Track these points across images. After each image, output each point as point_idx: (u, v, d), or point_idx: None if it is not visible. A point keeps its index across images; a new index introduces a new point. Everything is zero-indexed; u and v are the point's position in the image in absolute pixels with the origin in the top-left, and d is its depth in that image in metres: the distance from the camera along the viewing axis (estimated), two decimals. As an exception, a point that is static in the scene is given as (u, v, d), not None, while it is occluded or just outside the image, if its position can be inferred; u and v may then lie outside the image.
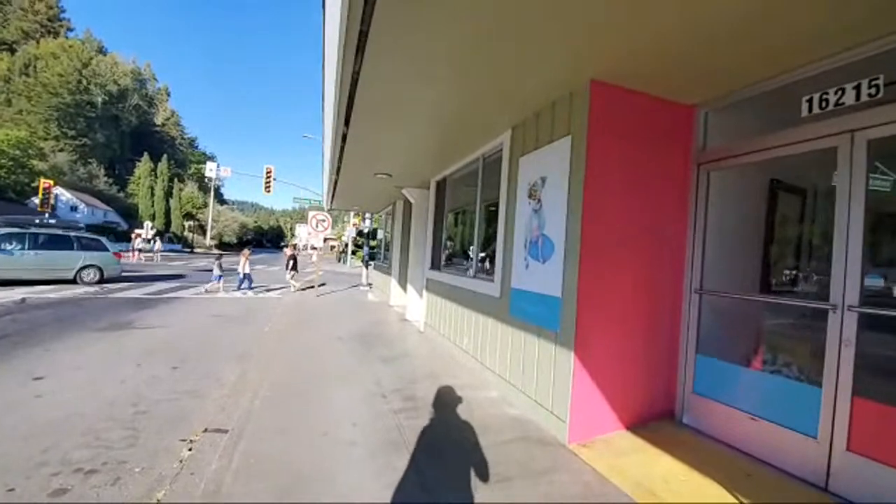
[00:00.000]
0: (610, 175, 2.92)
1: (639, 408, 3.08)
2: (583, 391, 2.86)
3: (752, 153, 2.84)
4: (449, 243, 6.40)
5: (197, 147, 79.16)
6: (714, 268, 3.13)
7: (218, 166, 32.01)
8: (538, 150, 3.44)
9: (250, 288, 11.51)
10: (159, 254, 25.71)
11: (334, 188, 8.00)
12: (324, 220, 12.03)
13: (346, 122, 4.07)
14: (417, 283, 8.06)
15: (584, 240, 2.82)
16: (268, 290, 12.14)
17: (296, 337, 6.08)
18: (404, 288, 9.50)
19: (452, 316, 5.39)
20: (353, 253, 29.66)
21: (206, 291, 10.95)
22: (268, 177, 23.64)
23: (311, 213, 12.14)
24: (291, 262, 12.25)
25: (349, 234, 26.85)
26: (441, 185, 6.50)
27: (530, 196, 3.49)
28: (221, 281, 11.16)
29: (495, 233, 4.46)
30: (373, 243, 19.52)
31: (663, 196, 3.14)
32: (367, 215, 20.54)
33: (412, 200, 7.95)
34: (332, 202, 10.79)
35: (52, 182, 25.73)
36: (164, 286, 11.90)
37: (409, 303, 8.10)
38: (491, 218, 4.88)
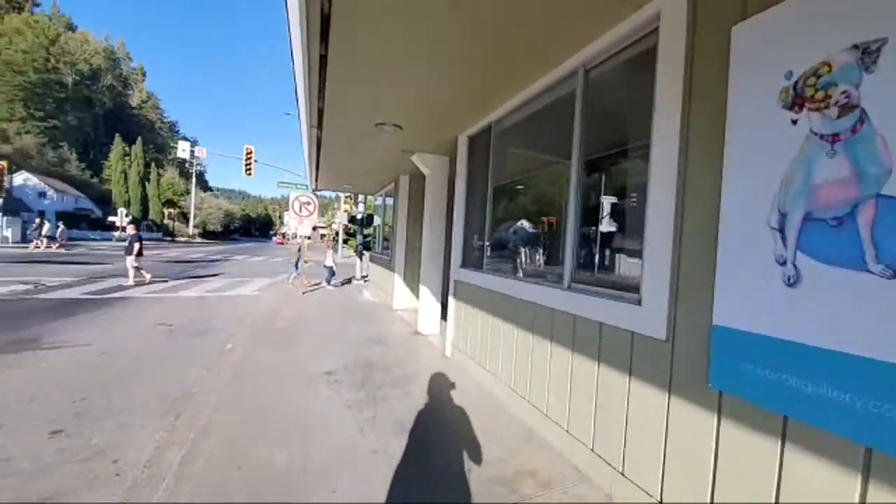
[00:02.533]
0: None
1: None
2: None
3: None
4: (490, 232, 4.27)
5: (178, 132, 75.18)
6: None
7: (193, 146, 28.93)
8: (831, -20, 1.33)
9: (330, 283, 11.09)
10: (62, 241, 21.15)
11: (318, 153, 5.79)
12: (308, 203, 9.79)
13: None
14: (434, 283, 5.97)
15: None
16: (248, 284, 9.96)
17: (263, 370, 3.95)
18: (414, 289, 7.41)
19: (515, 348, 3.30)
20: (345, 242, 27.32)
21: (292, 284, 10.66)
22: (248, 158, 21.07)
23: (292, 196, 9.88)
24: (137, 247, 9.50)
25: (340, 220, 24.50)
26: (479, 142, 4.34)
27: (798, 105, 1.39)
28: (299, 273, 10.44)
29: (615, 204, 2.39)
30: (367, 231, 17.33)
31: None
32: (361, 198, 18.34)
33: (426, 171, 5.78)
34: (316, 180, 8.56)
35: (3, 164, 22.91)
36: (114, 283, 9.66)
37: (423, 308, 5.99)
38: (597, 178, 2.78)
